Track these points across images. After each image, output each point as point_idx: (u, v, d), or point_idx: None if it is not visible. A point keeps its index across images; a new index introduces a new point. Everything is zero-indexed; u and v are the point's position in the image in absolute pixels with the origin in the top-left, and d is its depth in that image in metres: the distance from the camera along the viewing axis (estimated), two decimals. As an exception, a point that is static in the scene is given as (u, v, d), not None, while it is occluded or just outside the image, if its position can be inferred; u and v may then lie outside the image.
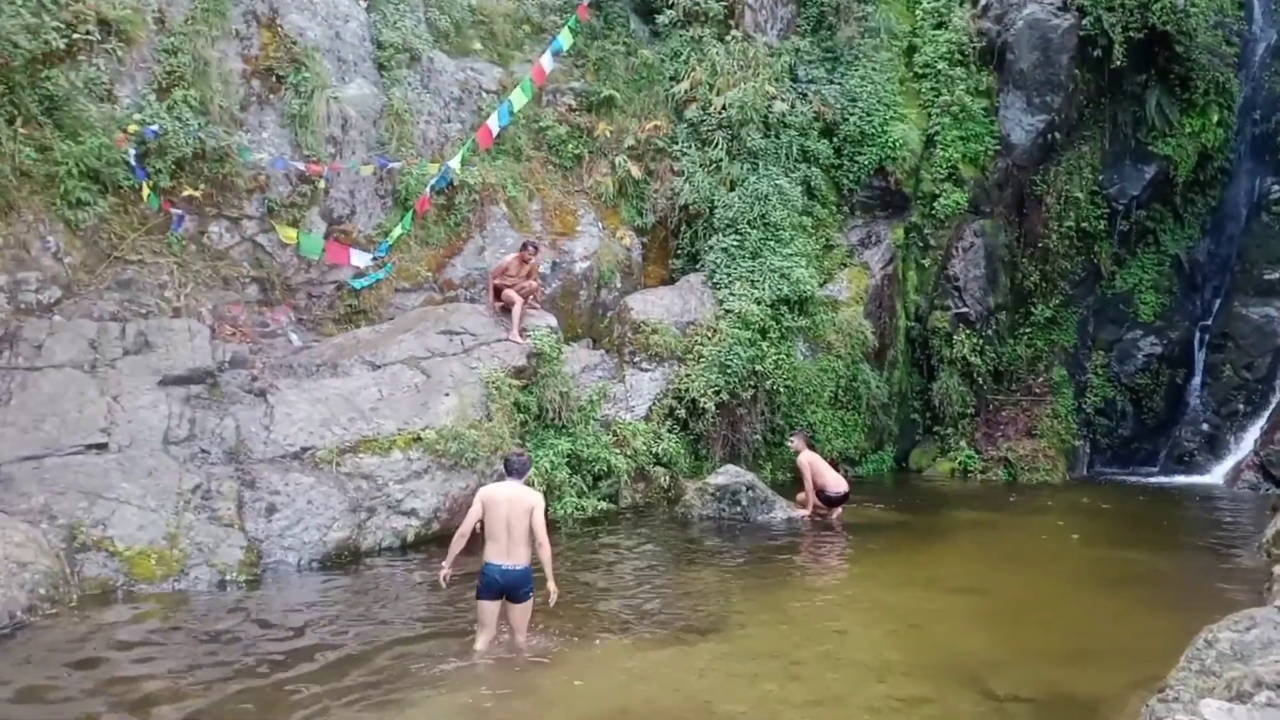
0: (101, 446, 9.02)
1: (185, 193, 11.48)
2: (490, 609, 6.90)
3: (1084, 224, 15.98)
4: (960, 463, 15.36)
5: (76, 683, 6.29)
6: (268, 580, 8.69)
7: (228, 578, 8.50)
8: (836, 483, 11.94)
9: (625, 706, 6.13)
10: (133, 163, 11.01)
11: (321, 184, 12.62)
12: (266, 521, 9.13)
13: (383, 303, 12.87)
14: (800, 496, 12.08)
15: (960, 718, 6.02)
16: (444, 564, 7.12)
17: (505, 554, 6.81)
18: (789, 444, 12.90)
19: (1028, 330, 16.28)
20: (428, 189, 13.16)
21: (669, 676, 6.67)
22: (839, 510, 11.86)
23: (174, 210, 11.40)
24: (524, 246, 12.77)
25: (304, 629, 7.52)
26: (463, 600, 7.83)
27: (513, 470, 7.19)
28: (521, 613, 6.97)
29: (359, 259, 12.68)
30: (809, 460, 11.98)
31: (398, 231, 12.97)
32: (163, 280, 11.13)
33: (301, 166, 12.34)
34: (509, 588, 6.85)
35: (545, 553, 6.91)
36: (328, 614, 7.93)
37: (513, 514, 6.84)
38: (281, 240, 12.22)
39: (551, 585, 6.98)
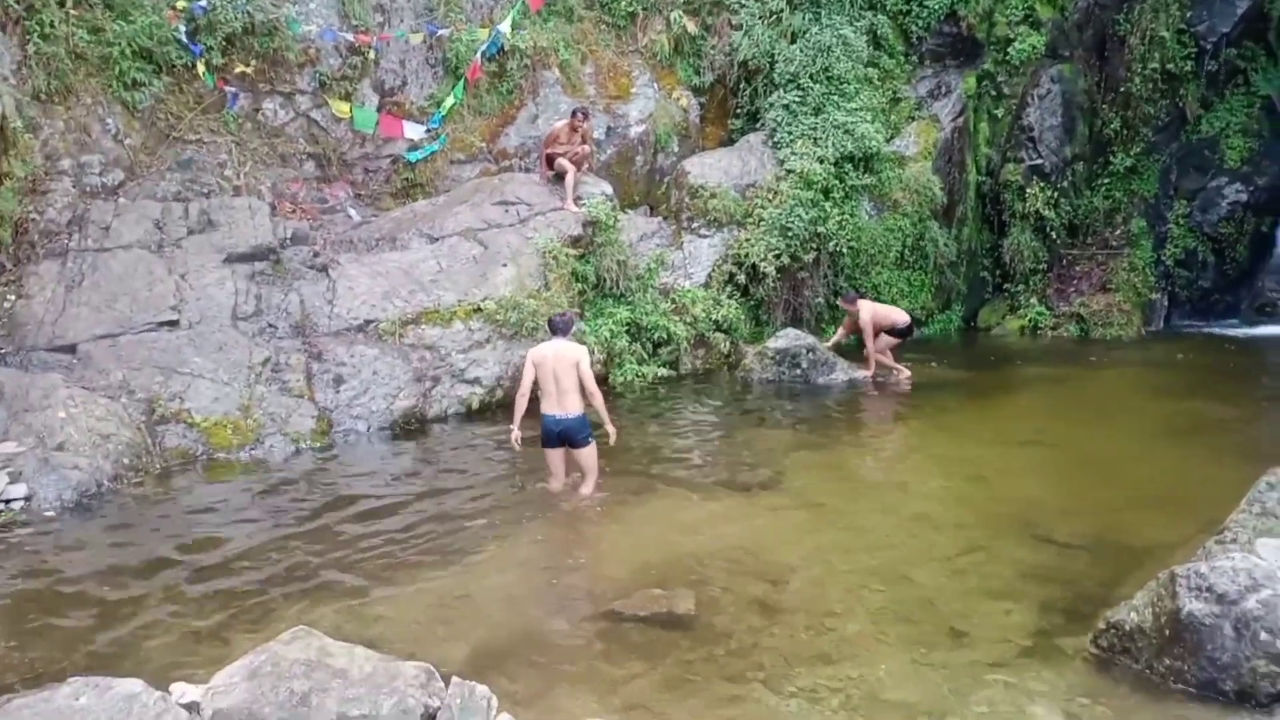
0: (173, 323, 9.31)
1: (238, 69, 11.44)
2: (555, 456, 7.50)
3: (1169, 65, 14.97)
4: (1030, 320, 14.99)
5: (160, 544, 6.66)
6: (340, 447, 9.01)
7: (301, 445, 8.84)
8: (901, 316, 11.95)
9: (680, 556, 6.28)
10: (184, 40, 10.98)
11: (371, 55, 12.46)
12: (335, 392, 9.40)
13: (438, 175, 12.83)
14: (865, 352, 11.96)
15: (1016, 564, 6.04)
16: (512, 426, 7.51)
17: (557, 404, 7.26)
18: (842, 306, 12.63)
19: (1106, 181, 15.54)
20: (478, 55, 12.90)
21: (724, 528, 6.81)
22: (907, 373, 11.72)
23: (228, 88, 11.40)
24: (574, 113, 12.52)
25: (375, 489, 7.83)
26: (527, 460, 8.07)
27: (557, 329, 7.58)
28: (586, 456, 7.43)
29: (413, 131, 12.59)
30: (869, 312, 11.84)
31: (450, 101, 12.80)
32: (221, 159, 11.22)
33: (350, 37, 12.19)
34: (566, 434, 7.34)
35: (597, 400, 7.36)
36: (398, 475, 8.24)
37: (559, 367, 7.25)
38: (335, 115, 12.18)
39: (609, 427, 7.46)
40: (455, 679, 3.92)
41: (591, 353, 10.95)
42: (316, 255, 10.70)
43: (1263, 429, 9.48)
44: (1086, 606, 5.31)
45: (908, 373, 11.72)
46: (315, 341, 9.74)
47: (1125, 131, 15.42)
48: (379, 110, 12.55)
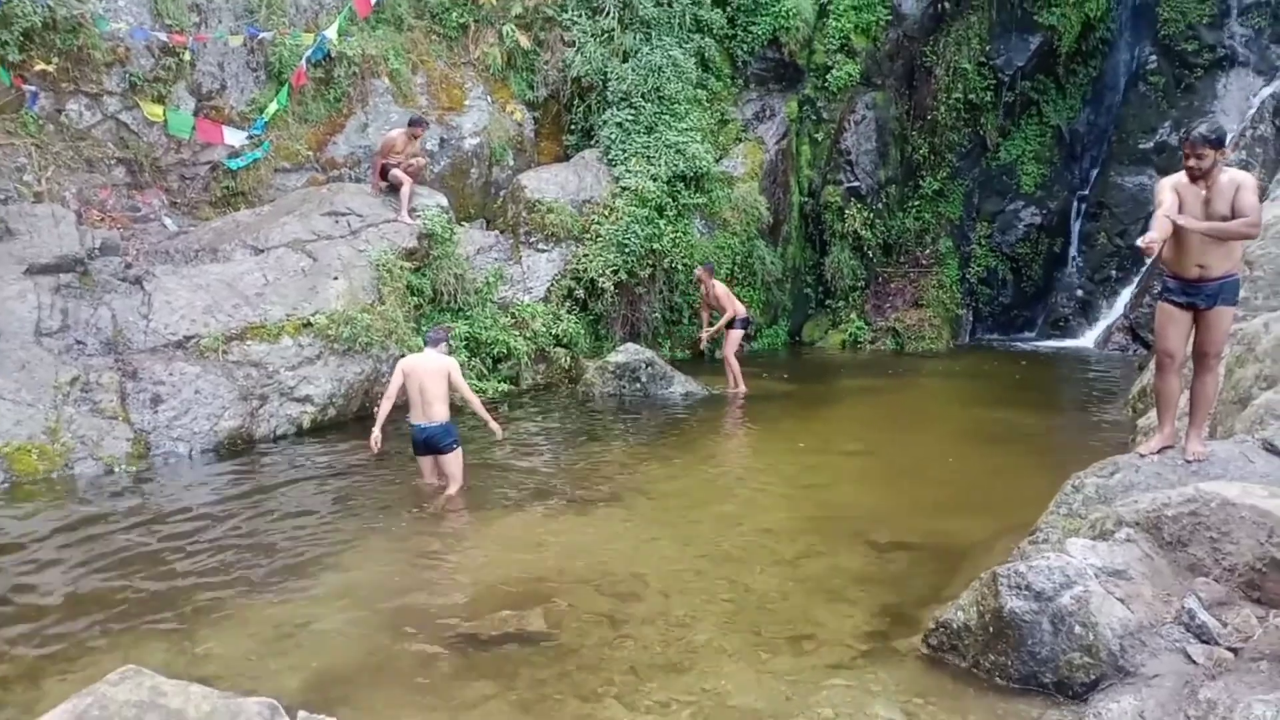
0: (-35, 341, 8.52)
1: (37, 67, 10.62)
2: (424, 463, 7.98)
3: (971, 95, 16.22)
4: (851, 334, 15.83)
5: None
6: (159, 470, 8.47)
7: (115, 469, 8.26)
8: (742, 306, 12.65)
9: (527, 573, 6.26)
10: (-27, 33, 10.09)
11: (187, 56, 11.83)
12: (153, 412, 8.84)
13: (262, 184, 12.31)
14: (732, 340, 12.43)
15: (850, 570, 6.34)
16: (374, 429, 7.81)
17: (422, 414, 7.68)
18: (695, 276, 13.10)
19: (916, 203, 16.62)
20: (303, 61, 12.47)
21: (570, 543, 6.83)
22: (738, 384, 12.13)
23: (26, 87, 10.55)
24: (411, 122, 12.29)
25: (198, 515, 7.39)
26: (366, 479, 7.84)
27: (429, 342, 8.06)
28: (450, 463, 7.81)
29: (233, 137, 12.02)
30: (725, 289, 12.58)
31: (273, 107, 12.30)
32: (20, 163, 10.38)
33: (164, 37, 11.52)
34: (431, 441, 7.75)
35: (474, 403, 7.89)
36: (223, 500, 7.80)
37: (426, 379, 7.64)
38: (147, 118, 11.49)
39: (493, 425, 8.00)
40: (302, 713, 3.76)
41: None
42: (129, 267, 10.04)
43: (1061, 435, 10.33)
44: (914, 608, 5.64)
45: (744, 389, 12.10)
46: (130, 359, 9.13)
47: (933, 157, 16.55)
48: (195, 114, 11.91)
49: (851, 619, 5.60)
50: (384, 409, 7.76)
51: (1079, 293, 16.84)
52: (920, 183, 16.57)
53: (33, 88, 10.58)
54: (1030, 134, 16.89)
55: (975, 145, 16.77)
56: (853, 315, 16.03)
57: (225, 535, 6.98)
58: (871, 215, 16.04)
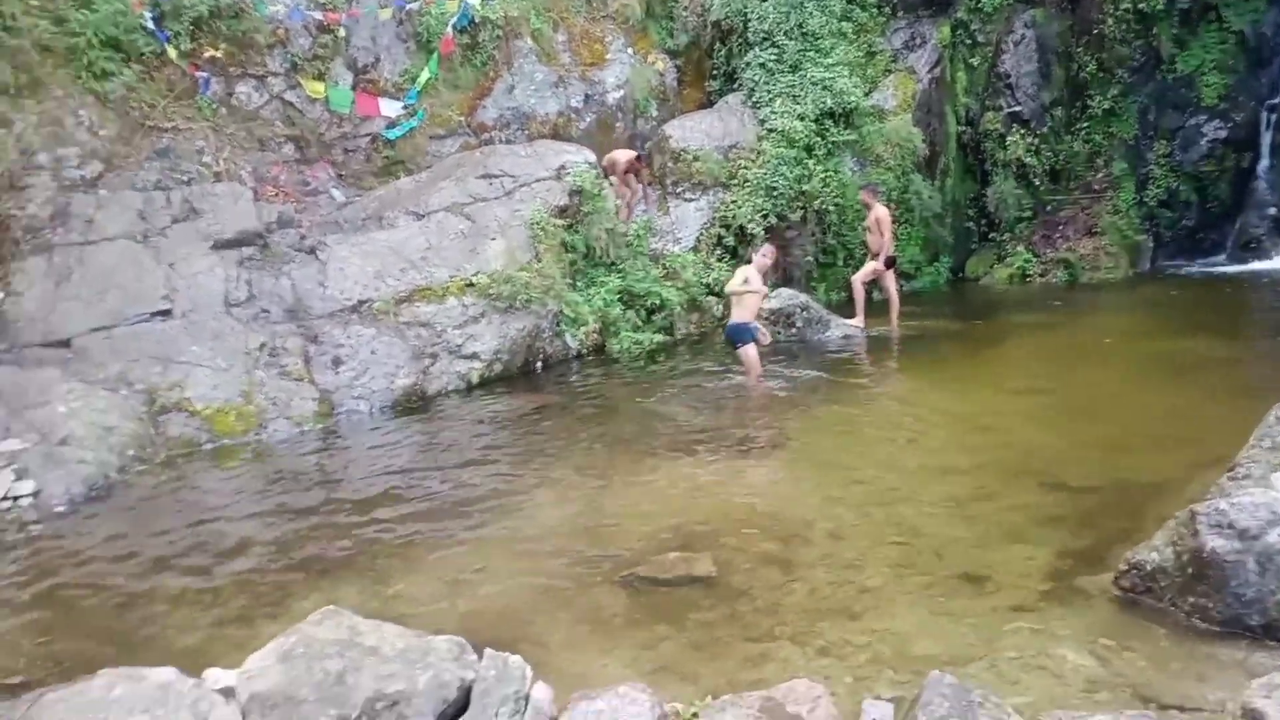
0: (166, 313, 9.24)
1: (207, 54, 11.28)
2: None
3: (1141, 4, 14.96)
4: (1018, 268, 15.06)
5: (173, 532, 6.63)
6: (343, 428, 8.99)
7: (304, 428, 8.81)
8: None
9: (693, 519, 6.30)
10: (151, 26, 10.78)
11: (341, 33, 12.30)
12: (334, 373, 9.36)
13: (419, 151, 12.71)
14: (867, 269, 12.13)
15: (1028, 509, 6.08)
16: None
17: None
18: (861, 198, 12.71)
19: (1085, 125, 15.56)
20: (449, 28, 12.75)
21: (734, 489, 6.83)
22: (896, 322, 11.80)
23: (199, 73, 11.22)
24: (638, 157, 12.78)
25: (382, 468, 7.81)
26: (534, 430, 8.10)
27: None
28: (742, 354, 9.70)
29: (389, 108, 12.45)
30: (888, 213, 12.11)
31: (424, 76, 12.65)
32: (199, 146, 11.06)
33: (319, 16, 12.02)
34: (729, 335, 9.78)
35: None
36: (404, 453, 8.22)
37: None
38: (310, 96, 12.03)
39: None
40: (488, 651, 3.92)
41: (586, 322, 11.02)
42: (304, 238, 10.60)
43: (1256, 365, 9.55)
44: (1103, 548, 5.34)
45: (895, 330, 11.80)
46: (310, 324, 9.68)
47: (1101, 74, 15.43)
48: (353, 89, 12.40)
49: (1032, 560, 5.36)
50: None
51: (1272, 210, 15.41)
52: (1088, 103, 15.48)
53: (205, 74, 11.24)
54: (1210, 41, 15.47)
55: (1148, 58, 15.50)
56: (1019, 248, 15.24)
57: (407, 485, 7.35)
58: (1036, 141, 15.14)
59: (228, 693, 3.86)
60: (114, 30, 10.54)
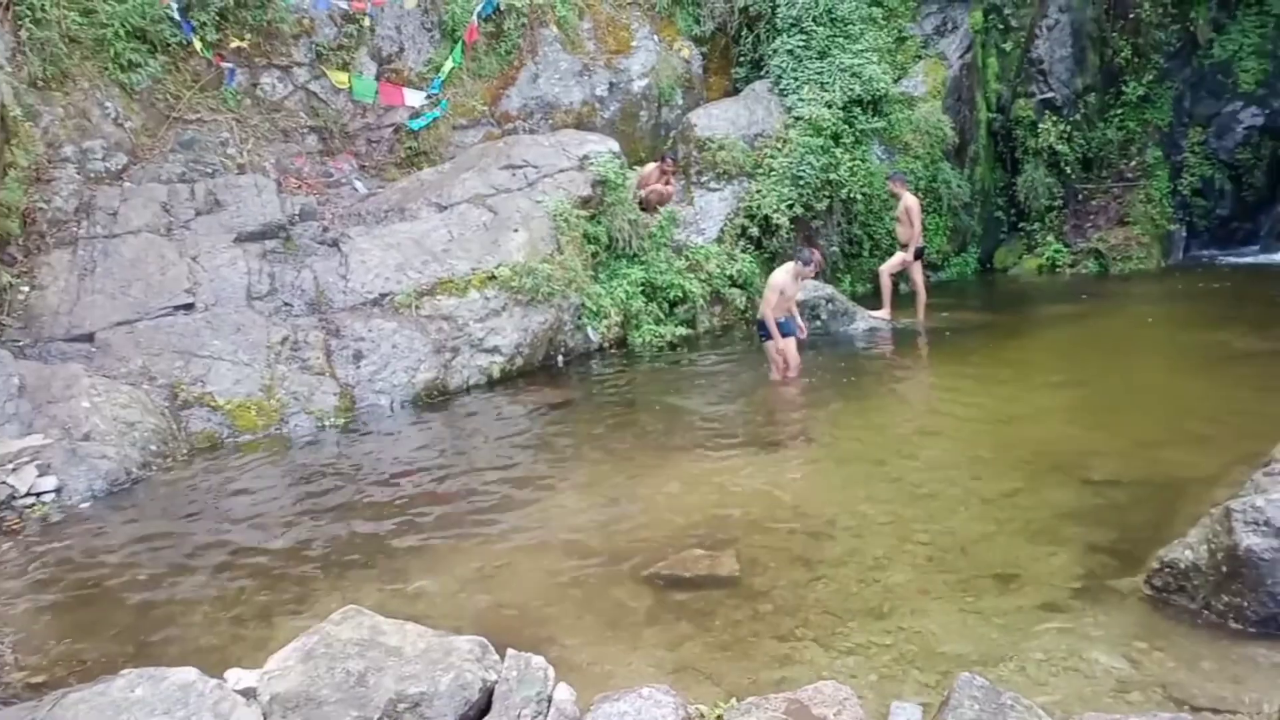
0: (188, 307, 9.26)
1: (233, 44, 11.29)
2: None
3: (1181, -14, 14.67)
4: (1048, 258, 14.83)
5: (195, 529, 6.66)
6: (365, 422, 8.98)
7: (325, 423, 8.81)
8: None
9: (717, 515, 6.24)
10: (177, 17, 10.81)
11: (366, 22, 12.28)
12: (355, 368, 9.35)
13: (442, 142, 12.68)
14: (895, 260, 12.02)
15: (1057, 507, 5.97)
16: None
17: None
18: (889, 187, 12.60)
19: (1119, 111, 15.26)
20: (474, 17, 12.69)
21: (758, 485, 6.76)
22: (922, 314, 11.67)
23: (224, 64, 11.24)
24: (662, 159, 12.57)
25: (404, 463, 7.81)
26: (555, 424, 8.02)
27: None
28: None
29: (413, 98, 12.43)
30: (917, 203, 11.98)
31: (449, 65, 12.61)
32: (223, 137, 11.10)
33: (345, 5, 12.00)
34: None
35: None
36: (426, 448, 8.22)
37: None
38: (334, 86, 12.03)
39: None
40: (510, 651, 3.88)
41: (607, 315, 10.95)
42: (326, 230, 10.60)
43: (1293, 357, 9.35)
44: (1134, 546, 5.23)
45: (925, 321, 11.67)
46: (332, 317, 9.67)
47: (1136, 59, 15.10)
48: (378, 79, 12.38)
49: (1062, 559, 5.27)
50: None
51: (1310, 199, 15.09)
52: (1123, 89, 15.18)
53: (230, 64, 11.26)
54: (1249, 25, 15.11)
55: (1185, 43, 15.18)
56: (1049, 238, 14.99)
57: (428, 481, 7.33)
58: (1068, 128, 14.87)
59: (249, 693, 3.85)
60: (140, 21, 10.58)
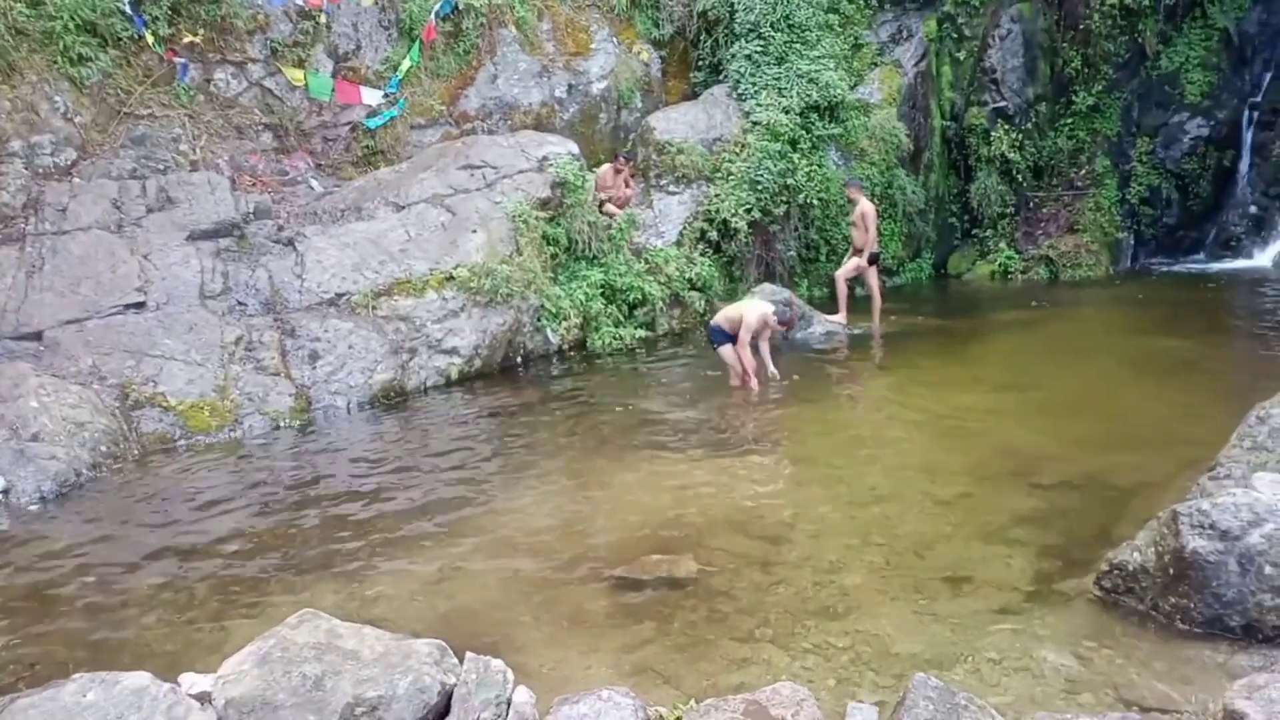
0: (140, 305, 9.09)
1: (186, 39, 11.11)
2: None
3: (1128, 0, 15.02)
4: (1000, 264, 15.11)
5: (147, 532, 6.54)
6: (320, 424, 8.88)
7: (281, 424, 8.70)
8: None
9: (675, 518, 6.27)
10: (128, 10, 10.61)
11: (322, 19, 12.15)
12: (311, 368, 9.24)
13: (399, 141, 12.58)
14: (850, 265, 12.14)
15: (1009, 510, 6.08)
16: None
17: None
18: (847, 193, 12.73)
19: (1069, 121, 15.60)
20: (432, 16, 12.61)
21: (716, 488, 6.79)
22: (878, 319, 11.81)
23: (177, 59, 11.05)
24: (615, 158, 12.48)
25: (360, 466, 7.73)
26: (514, 426, 8.03)
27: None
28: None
29: (370, 97, 12.32)
30: (873, 208, 12.14)
31: (406, 64, 12.52)
32: (175, 133, 10.91)
33: (300, 1, 11.84)
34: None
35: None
36: (382, 450, 8.14)
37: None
38: (290, 83, 11.88)
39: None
40: (469, 654, 3.87)
41: (567, 317, 10.93)
42: (281, 229, 10.47)
43: (1237, 365, 9.61)
44: (1083, 549, 5.35)
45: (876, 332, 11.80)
46: (287, 317, 9.55)
47: (1086, 69, 15.47)
48: (334, 76, 12.25)
49: (1014, 561, 5.37)
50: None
51: (1252, 209, 15.52)
52: (1073, 98, 15.52)
53: (183, 60, 11.07)
54: (1194, 38, 15.53)
55: (1133, 54, 15.55)
56: (1002, 244, 15.28)
57: (385, 483, 7.27)
58: (1020, 136, 15.17)
59: (203, 698, 3.79)
60: (91, 14, 10.37)
